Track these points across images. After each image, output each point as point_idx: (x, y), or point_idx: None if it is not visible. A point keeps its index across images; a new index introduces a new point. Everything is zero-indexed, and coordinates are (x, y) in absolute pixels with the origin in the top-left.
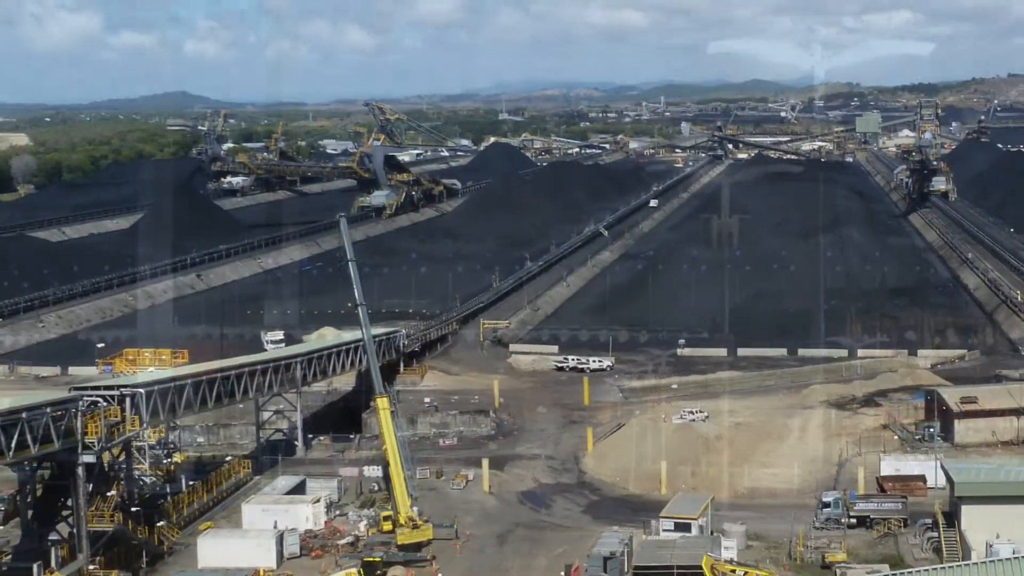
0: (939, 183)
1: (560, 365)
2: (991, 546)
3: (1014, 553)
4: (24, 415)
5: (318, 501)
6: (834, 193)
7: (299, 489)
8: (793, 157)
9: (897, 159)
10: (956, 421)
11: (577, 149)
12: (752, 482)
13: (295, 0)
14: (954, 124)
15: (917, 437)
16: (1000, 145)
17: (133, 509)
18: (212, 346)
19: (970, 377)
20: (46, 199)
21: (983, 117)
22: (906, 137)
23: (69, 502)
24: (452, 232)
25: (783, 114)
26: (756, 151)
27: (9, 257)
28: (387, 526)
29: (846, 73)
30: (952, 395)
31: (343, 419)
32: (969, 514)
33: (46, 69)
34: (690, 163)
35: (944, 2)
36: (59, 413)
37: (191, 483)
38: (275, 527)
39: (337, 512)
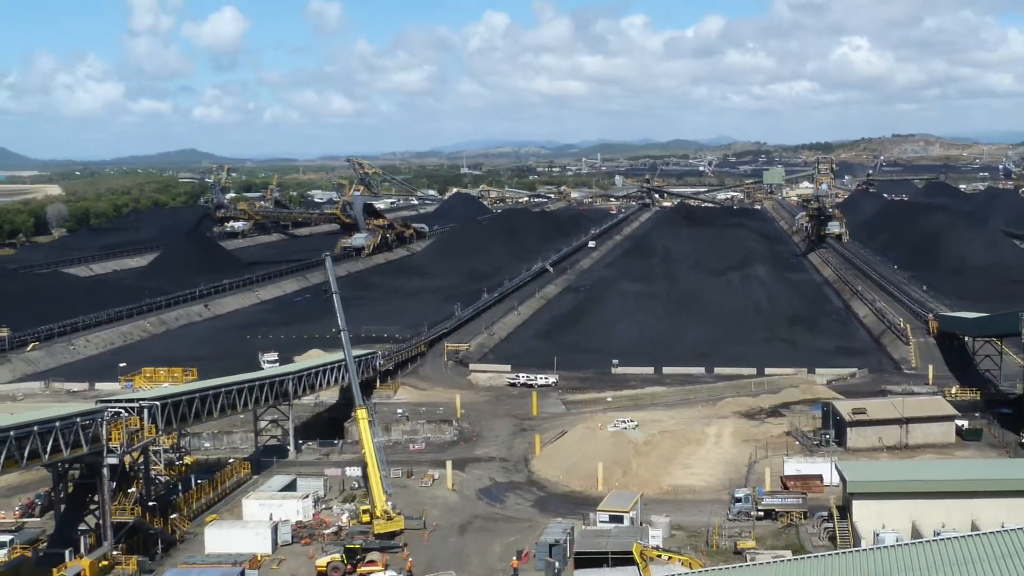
0: (834, 227)
1: (512, 381)
2: (878, 535)
3: (897, 541)
4: (58, 424)
5: (307, 497)
6: (744, 235)
7: (291, 487)
8: (710, 205)
9: (798, 206)
10: (848, 429)
11: (526, 198)
12: (675, 481)
13: (287, 73)
14: (847, 177)
15: (815, 443)
16: (885, 194)
17: (150, 503)
18: (217, 365)
19: (860, 392)
20: (76, 241)
21: (871, 171)
22: (806, 188)
23: (96, 497)
24: (420, 269)
25: (701, 168)
26: (679, 200)
27: (45, 290)
28: (365, 518)
29: (754, 133)
30: (845, 407)
31: (328, 427)
32: (859, 508)
33: (76, 130)
34: (622, 210)
35: (838, 73)
36: (87, 422)
37: (199, 481)
38: (271, 519)
39: (323, 506)
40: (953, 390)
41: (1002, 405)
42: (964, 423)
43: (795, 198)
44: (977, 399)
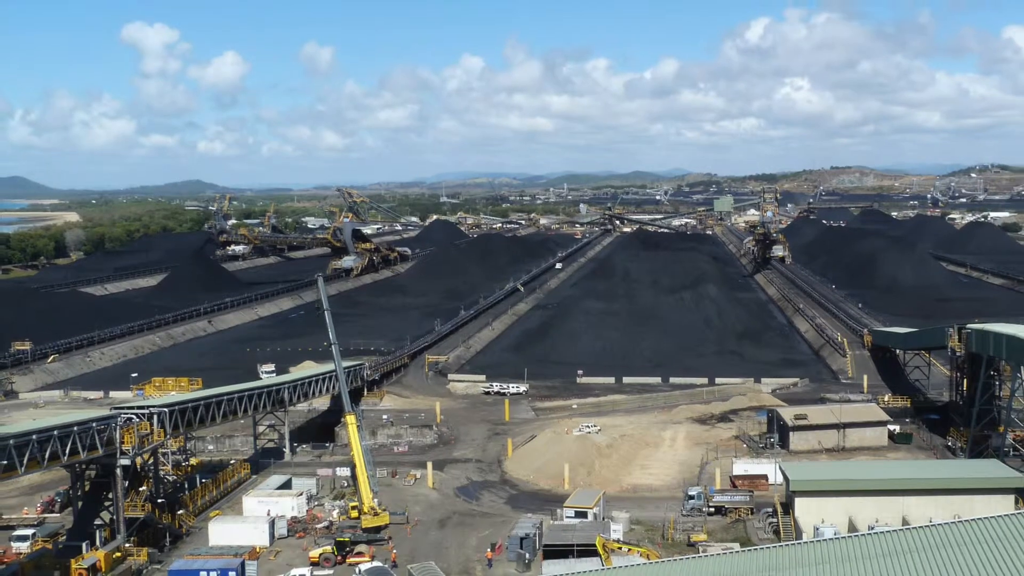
0: (778, 250)
1: (487, 390)
2: (817, 529)
3: (835, 534)
4: (76, 428)
5: (301, 495)
6: (696, 258)
7: (287, 485)
8: (666, 230)
9: (746, 232)
10: (791, 433)
11: (500, 224)
12: (634, 480)
13: (283, 111)
14: (789, 205)
15: (761, 445)
16: (824, 221)
17: (159, 501)
18: (219, 375)
19: (801, 399)
20: (92, 263)
21: (811, 200)
22: (752, 215)
23: (110, 495)
24: (404, 288)
25: (658, 197)
26: (637, 226)
27: (63, 307)
28: (354, 514)
29: (706, 165)
30: (787, 413)
31: (320, 431)
32: (801, 504)
33: (92, 162)
34: (587, 235)
35: (782, 111)
36: (103, 427)
37: (203, 481)
38: (268, 514)
39: (316, 503)
40: (886, 398)
41: (930, 412)
42: (896, 428)
43: (743, 224)
44: (908, 406)
